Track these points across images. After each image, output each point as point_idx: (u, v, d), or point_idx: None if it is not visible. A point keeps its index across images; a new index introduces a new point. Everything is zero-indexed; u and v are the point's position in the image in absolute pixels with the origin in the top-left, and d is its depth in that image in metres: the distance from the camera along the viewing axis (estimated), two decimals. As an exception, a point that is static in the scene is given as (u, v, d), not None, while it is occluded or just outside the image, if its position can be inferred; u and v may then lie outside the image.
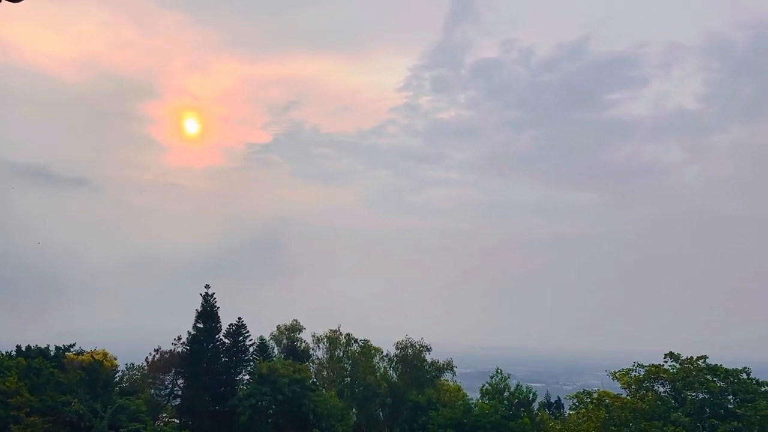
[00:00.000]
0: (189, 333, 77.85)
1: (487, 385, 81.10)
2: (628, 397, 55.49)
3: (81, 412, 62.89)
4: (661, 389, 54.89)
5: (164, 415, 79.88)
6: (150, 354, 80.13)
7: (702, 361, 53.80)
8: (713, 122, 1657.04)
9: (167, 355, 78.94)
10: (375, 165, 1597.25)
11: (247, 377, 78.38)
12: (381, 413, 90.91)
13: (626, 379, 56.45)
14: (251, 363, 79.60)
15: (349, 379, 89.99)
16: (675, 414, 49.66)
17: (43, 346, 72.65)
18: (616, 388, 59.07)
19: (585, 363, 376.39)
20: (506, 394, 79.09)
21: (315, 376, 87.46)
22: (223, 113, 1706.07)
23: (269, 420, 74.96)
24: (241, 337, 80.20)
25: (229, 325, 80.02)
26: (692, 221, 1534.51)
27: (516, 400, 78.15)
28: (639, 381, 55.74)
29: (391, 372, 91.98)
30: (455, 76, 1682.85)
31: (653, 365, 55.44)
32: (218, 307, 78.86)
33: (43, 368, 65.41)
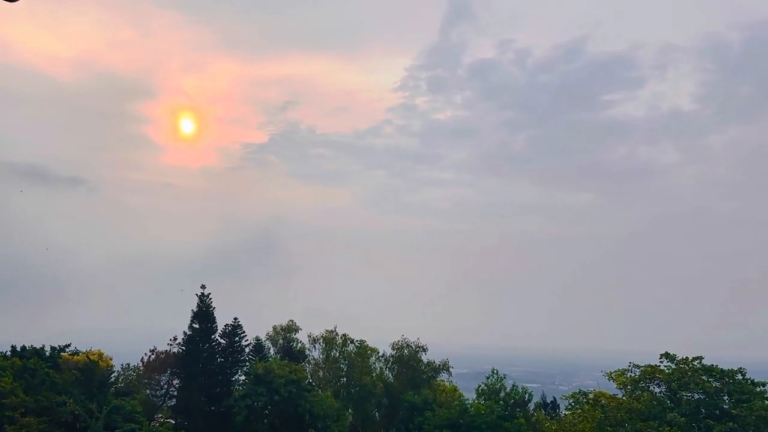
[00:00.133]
0: (185, 333, 77.80)
1: (483, 385, 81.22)
2: (624, 398, 55.56)
3: (76, 412, 62.77)
4: (657, 390, 54.94)
5: (160, 415, 79.76)
6: (145, 354, 80.00)
7: (698, 361, 53.87)
8: (709, 123, 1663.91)
9: (163, 356, 78.79)
10: (371, 165, 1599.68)
11: (242, 378, 78.32)
12: (377, 413, 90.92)
13: (622, 379, 56.51)
14: (247, 363, 79.53)
15: (345, 379, 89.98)
16: (671, 414, 49.73)
17: (38, 346, 72.41)
18: (612, 388, 59.14)
19: (581, 363, 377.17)
20: (502, 394, 79.24)
21: (311, 376, 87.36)
22: (219, 113, 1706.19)
23: (265, 420, 74.85)
24: (237, 338, 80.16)
25: (225, 326, 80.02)
26: (688, 221, 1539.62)
27: (512, 401, 78.27)
28: (635, 381, 55.80)
29: (387, 372, 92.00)
30: (452, 77, 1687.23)
31: (649, 366, 55.50)
32: (214, 308, 78.90)
33: (38, 369, 65.22)
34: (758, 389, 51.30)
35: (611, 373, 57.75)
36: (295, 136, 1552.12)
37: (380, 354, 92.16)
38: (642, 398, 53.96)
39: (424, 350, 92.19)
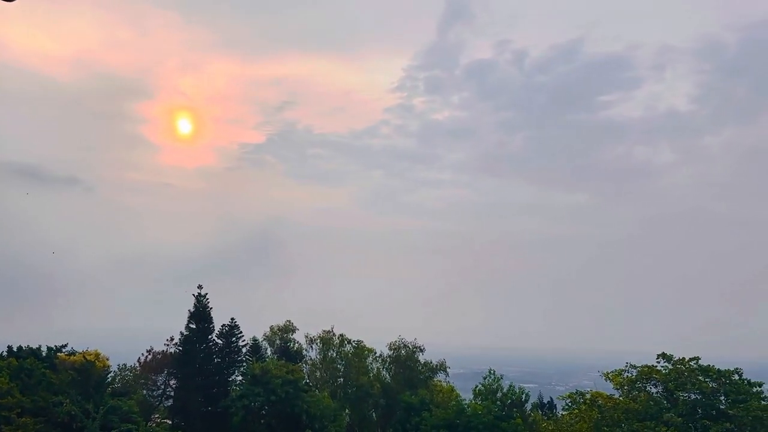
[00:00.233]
0: (181, 333, 77.69)
1: (480, 385, 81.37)
2: (621, 398, 55.66)
3: (73, 412, 62.62)
4: (654, 390, 55.07)
5: (157, 415, 79.66)
6: (142, 354, 79.84)
7: (694, 361, 54.01)
8: (705, 123, 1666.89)
9: (160, 356, 78.66)
10: (368, 165, 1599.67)
11: (239, 378, 78.24)
12: (374, 414, 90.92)
13: (619, 379, 56.64)
14: (244, 364, 79.49)
15: (342, 379, 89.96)
16: (667, 414, 49.83)
17: (35, 346, 72.25)
18: (608, 388, 59.24)
19: (577, 363, 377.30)
20: (499, 394, 79.41)
21: (308, 376, 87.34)
22: (216, 113, 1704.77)
23: (262, 421, 74.81)
24: (233, 338, 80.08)
25: (222, 326, 79.91)
26: (684, 222, 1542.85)
27: (509, 401, 78.44)
28: (631, 382, 55.93)
29: (384, 373, 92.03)
30: (449, 77, 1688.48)
31: (646, 366, 55.64)
32: (211, 308, 78.78)
33: (34, 369, 65.05)
34: (755, 389, 51.46)
35: (608, 374, 57.86)
36: (292, 136, 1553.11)
37: (377, 354, 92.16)
38: (639, 398, 54.07)
39: (421, 350, 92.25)
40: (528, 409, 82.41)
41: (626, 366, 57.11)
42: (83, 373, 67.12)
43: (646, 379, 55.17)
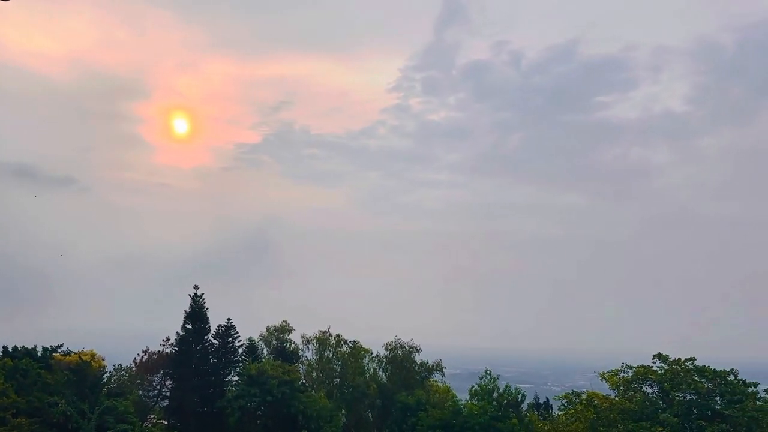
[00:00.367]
0: (177, 334, 77.62)
1: (476, 386, 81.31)
2: (617, 398, 55.82)
3: (68, 413, 62.47)
4: (649, 390, 55.23)
5: (152, 416, 79.48)
6: (138, 355, 79.69)
7: (690, 362, 54.18)
8: (701, 124, 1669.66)
9: (155, 356, 78.53)
10: (365, 166, 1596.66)
11: (236, 378, 78.14)
12: (370, 414, 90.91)
13: (615, 380, 56.79)
14: (240, 364, 79.40)
15: (338, 380, 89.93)
16: (663, 415, 49.99)
17: (30, 346, 71.99)
18: (604, 389, 59.39)
19: (574, 364, 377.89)
20: (495, 395, 79.32)
21: (304, 377, 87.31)
22: (212, 113, 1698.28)
23: (258, 421, 74.75)
24: (230, 338, 80.00)
25: (218, 326, 79.84)
26: (680, 223, 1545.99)
27: (505, 401, 78.40)
28: (627, 382, 56.08)
29: (380, 373, 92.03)
30: (446, 78, 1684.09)
31: (642, 366, 55.80)
32: (207, 308, 78.71)
33: (29, 369, 64.85)
34: (750, 390, 51.65)
35: (604, 374, 58.03)
36: (289, 136, 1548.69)
37: (374, 355, 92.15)
38: (634, 399, 54.23)
39: (418, 351, 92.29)
40: (524, 409, 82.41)
41: (622, 366, 57.29)
42: (79, 374, 66.95)
43: (642, 379, 55.33)
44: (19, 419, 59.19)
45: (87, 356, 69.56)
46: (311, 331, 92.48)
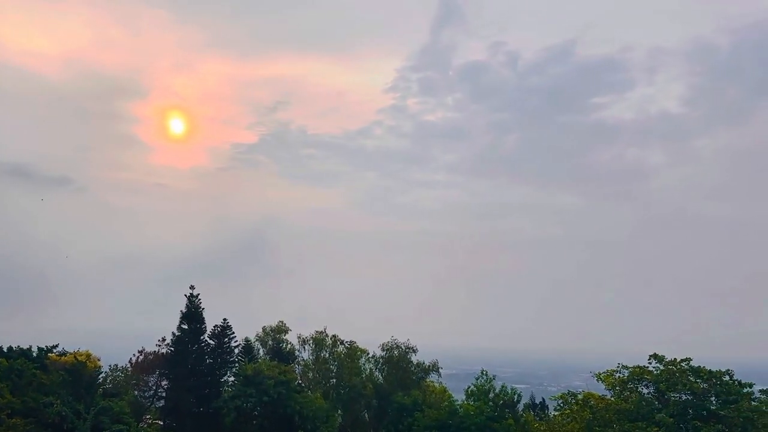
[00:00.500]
0: (173, 334, 77.52)
1: (472, 386, 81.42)
2: (613, 398, 55.84)
3: (63, 413, 62.35)
4: (645, 390, 55.23)
5: (148, 416, 79.32)
6: (134, 355, 79.61)
7: (686, 362, 54.21)
8: (697, 126, 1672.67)
9: (151, 357, 78.44)
10: (362, 166, 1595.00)
11: (232, 379, 78.09)
12: (366, 414, 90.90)
13: (611, 380, 56.82)
14: (236, 364, 79.32)
15: (334, 380, 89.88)
16: (659, 415, 50.00)
17: (25, 346, 71.89)
18: (600, 389, 59.44)
19: (569, 364, 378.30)
20: (491, 395, 79.44)
21: (300, 377, 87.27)
22: (209, 113, 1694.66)
23: (254, 422, 74.70)
24: (226, 339, 79.94)
25: (214, 327, 79.77)
26: (676, 223, 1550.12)
27: (501, 402, 78.48)
28: (623, 382, 56.09)
29: (376, 373, 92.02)
30: (442, 78, 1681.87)
31: (637, 366, 55.83)
32: (203, 308, 78.69)
33: (25, 369, 64.74)
34: (745, 390, 51.72)
35: (600, 374, 58.06)
36: (285, 136, 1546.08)
37: (370, 355, 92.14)
38: (630, 399, 54.26)
39: (414, 351, 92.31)
40: (520, 409, 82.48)
41: (618, 367, 57.29)
42: (74, 374, 66.83)
43: (638, 379, 55.35)
44: (14, 420, 59.07)
45: (82, 356, 69.44)
46: (307, 332, 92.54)
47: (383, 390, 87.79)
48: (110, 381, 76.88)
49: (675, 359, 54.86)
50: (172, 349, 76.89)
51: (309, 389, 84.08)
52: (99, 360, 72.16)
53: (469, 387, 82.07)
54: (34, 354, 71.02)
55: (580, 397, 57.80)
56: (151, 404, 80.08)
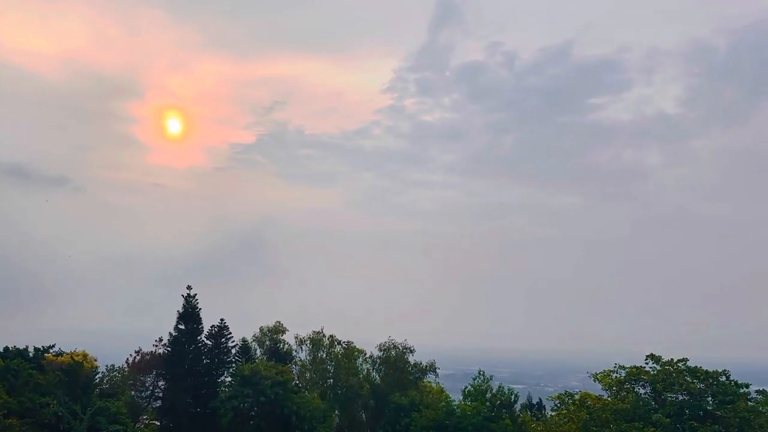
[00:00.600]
0: (170, 334, 77.37)
1: (469, 386, 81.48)
2: (609, 399, 55.92)
3: (60, 414, 62.23)
4: (642, 391, 55.37)
5: (145, 417, 79.24)
6: (131, 355, 79.48)
7: (682, 363, 54.35)
8: (694, 126, 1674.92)
9: (148, 357, 78.32)
10: (360, 166, 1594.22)
11: (229, 379, 77.96)
12: (364, 415, 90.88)
13: (607, 380, 56.92)
14: (233, 365, 79.20)
15: (331, 380, 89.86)
16: (655, 415, 50.12)
17: (21, 347, 71.68)
18: (597, 389, 59.53)
19: (566, 364, 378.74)
20: (488, 395, 79.51)
21: (298, 377, 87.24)
22: (206, 113, 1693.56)
23: (251, 422, 74.62)
24: (223, 339, 79.81)
25: (211, 327, 79.63)
26: (673, 224, 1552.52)
27: (498, 402, 78.54)
28: (620, 382, 56.21)
29: (374, 374, 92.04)
30: (440, 79, 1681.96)
31: (634, 367, 55.96)
32: (200, 309, 78.52)
33: (21, 369, 64.54)
34: (742, 391, 51.85)
35: (597, 374, 58.16)
36: (283, 136, 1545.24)
37: (367, 355, 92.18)
38: (627, 399, 54.34)
39: (411, 351, 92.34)
40: (517, 410, 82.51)
41: (615, 367, 57.41)
42: (71, 374, 66.66)
43: (635, 379, 55.47)
44: (10, 420, 58.89)
45: (79, 357, 69.26)
46: (305, 332, 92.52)
47: (380, 390, 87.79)
48: (107, 381, 76.72)
49: (672, 359, 54.99)
50: (169, 349, 76.76)
51: (306, 389, 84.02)
52: (96, 360, 71.98)
53: (466, 387, 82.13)
54: (31, 354, 70.77)
55: (576, 397, 57.89)
56: (148, 404, 79.98)
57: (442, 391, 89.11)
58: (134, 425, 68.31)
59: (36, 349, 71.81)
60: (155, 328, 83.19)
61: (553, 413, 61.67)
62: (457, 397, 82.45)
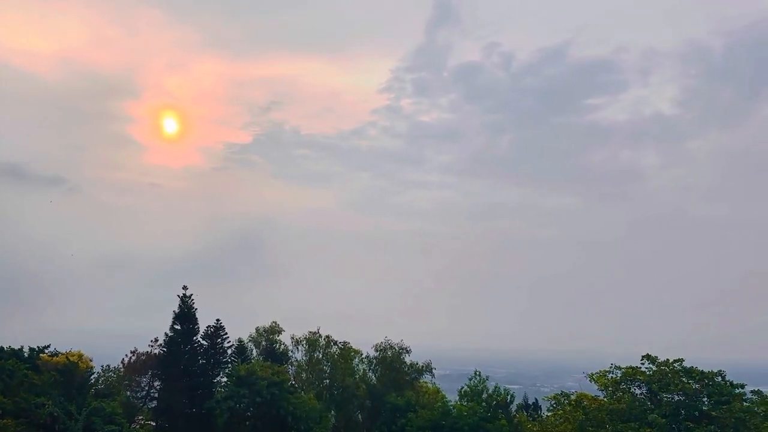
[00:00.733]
0: (166, 335, 77.18)
1: (465, 387, 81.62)
2: (605, 399, 55.98)
3: (55, 414, 62.07)
4: (638, 391, 55.42)
5: (140, 417, 79.10)
6: (126, 355, 79.39)
7: (678, 363, 54.43)
8: (690, 127, 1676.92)
9: (144, 357, 78.21)
10: (356, 167, 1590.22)
11: (224, 379, 77.84)
12: (360, 415, 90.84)
13: (603, 380, 56.95)
14: (229, 365, 79.10)
15: (328, 381, 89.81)
16: (651, 415, 50.19)
17: (16, 347, 71.53)
18: (593, 389, 59.56)
19: (562, 365, 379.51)
20: (484, 395, 79.65)
21: (294, 378, 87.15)
22: (202, 113, 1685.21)
23: (247, 423, 74.53)
24: (219, 339, 79.70)
25: (207, 327, 79.52)
26: (670, 224, 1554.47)
27: (494, 402, 78.69)
28: (616, 383, 56.25)
29: (370, 374, 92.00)
30: (437, 79, 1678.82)
31: (630, 367, 56.01)
32: (196, 309, 78.31)
33: (16, 370, 64.41)
34: (737, 391, 51.94)
35: (593, 375, 58.20)
36: (279, 136, 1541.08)
37: (363, 356, 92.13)
38: (623, 399, 54.41)
39: (408, 352, 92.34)
40: (513, 410, 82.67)
41: (611, 367, 57.44)
42: (66, 374, 66.56)
43: (631, 380, 55.52)
44: (5, 420, 58.80)
45: (74, 357, 69.15)
46: (301, 332, 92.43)
47: (376, 391, 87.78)
48: (102, 381, 76.63)
49: (667, 360, 55.06)
50: (165, 349, 76.61)
51: (302, 390, 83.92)
52: (91, 360, 71.92)
53: (462, 387, 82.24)
54: (26, 354, 70.68)
55: (572, 397, 57.97)
56: (144, 405, 79.83)
57: (438, 391, 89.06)
58: (130, 425, 68.21)
59: (31, 350, 71.70)
60: (153, 328, 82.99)
61: (549, 413, 61.72)
62: (453, 398, 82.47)
